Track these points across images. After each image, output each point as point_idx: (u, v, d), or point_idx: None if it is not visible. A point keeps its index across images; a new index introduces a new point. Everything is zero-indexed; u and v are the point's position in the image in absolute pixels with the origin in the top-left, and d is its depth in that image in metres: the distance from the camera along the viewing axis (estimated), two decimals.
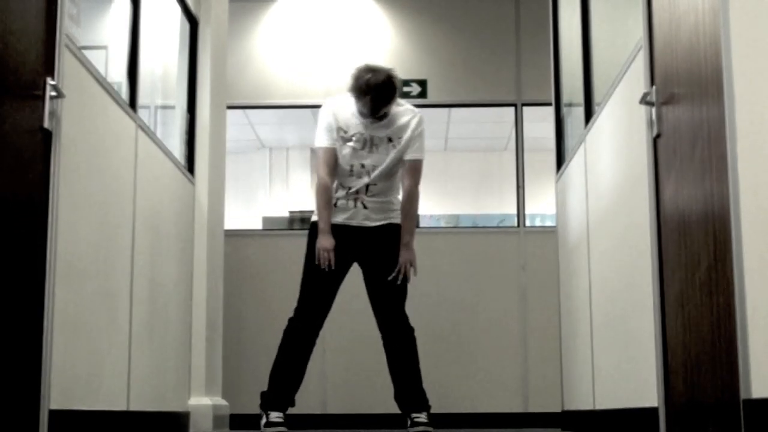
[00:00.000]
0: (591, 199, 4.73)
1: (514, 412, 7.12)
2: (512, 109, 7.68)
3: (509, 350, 7.25)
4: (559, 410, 5.94)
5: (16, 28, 3.09)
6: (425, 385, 4.58)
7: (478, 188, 12.14)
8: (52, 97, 3.31)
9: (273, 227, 7.96)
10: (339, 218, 4.57)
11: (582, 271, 4.94)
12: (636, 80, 3.70)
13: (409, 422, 4.50)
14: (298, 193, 11.90)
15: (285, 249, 7.29)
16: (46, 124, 3.29)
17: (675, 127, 3.20)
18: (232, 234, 6.92)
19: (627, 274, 3.95)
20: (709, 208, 2.82)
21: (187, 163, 5.86)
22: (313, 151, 10.86)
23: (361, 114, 4.53)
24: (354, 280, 4.67)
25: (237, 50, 7.52)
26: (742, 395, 2.50)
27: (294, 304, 4.60)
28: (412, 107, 4.69)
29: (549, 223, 8.36)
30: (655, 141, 3.45)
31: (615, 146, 4.20)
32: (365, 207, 4.58)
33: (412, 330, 4.57)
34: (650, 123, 3.47)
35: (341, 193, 4.58)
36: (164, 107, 5.86)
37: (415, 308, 4.64)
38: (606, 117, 4.36)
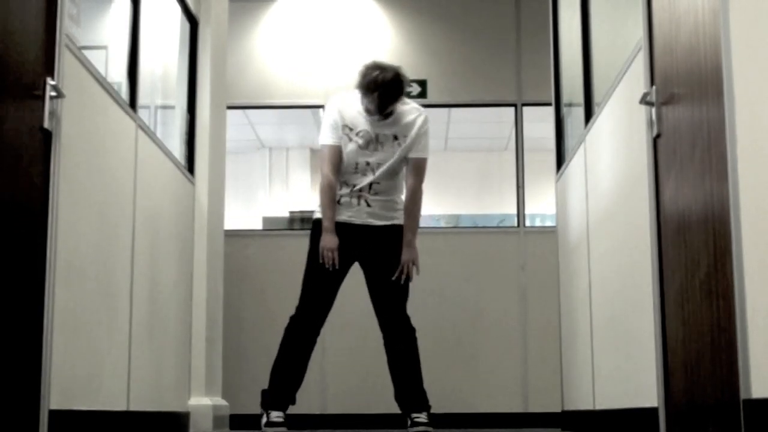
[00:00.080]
0: (591, 199, 4.73)
1: (514, 412, 7.12)
2: (512, 109, 7.68)
3: (509, 350, 7.25)
4: (559, 410, 5.94)
5: (16, 28, 3.09)
6: (425, 384, 4.58)
7: (478, 188, 12.14)
8: (52, 97, 3.31)
9: (273, 227, 7.96)
10: (342, 216, 4.56)
11: (582, 271, 4.94)
12: (636, 80, 3.70)
13: (409, 422, 4.50)
14: (298, 193, 11.89)
15: (285, 249, 7.29)
16: (46, 124, 3.29)
17: (675, 127, 3.20)
18: (232, 234, 6.92)
19: (627, 274, 3.95)
20: (709, 208, 2.82)
21: (187, 163, 5.86)
22: (312, 151, 10.70)
23: (368, 111, 4.52)
24: (354, 279, 4.67)
25: (237, 50, 7.51)
26: (742, 395, 2.50)
27: (294, 303, 4.60)
28: (417, 106, 4.68)
29: (549, 223, 8.36)
30: (655, 141, 3.45)
31: (615, 146, 4.20)
32: (369, 205, 4.57)
33: (413, 330, 4.56)
34: (650, 123, 3.47)
35: (345, 190, 4.57)
36: (164, 107, 5.85)
37: (415, 308, 4.64)
38: (606, 117, 4.36)
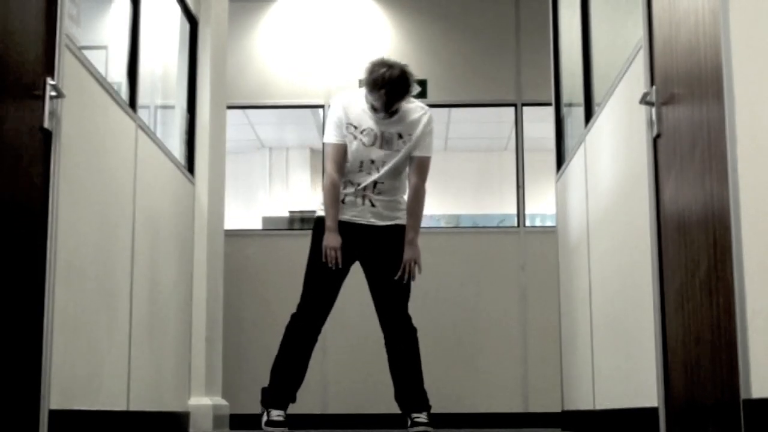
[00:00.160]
0: (591, 199, 4.73)
1: (514, 412, 7.12)
2: (512, 109, 7.68)
3: (509, 350, 7.25)
4: (559, 410, 5.94)
5: (16, 28, 3.09)
6: (425, 384, 4.58)
7: (478, 188, 12.14)
8: (52, 97, 3.31)
9: (273, 227, 7.96)
10: (346, 215, 4.56)
11: (582, 271, 4.94)
12: (636, 80, 3.70)
13: (409, 422, 4.50)
14: (298, 193, 11.89)
15: (285, 249, 7.29)
16: (46, 124, 3.29)
17: (675, 127, 3.20)
18: (232, 234, 6.92)
19: (627, 274, 3.95)
20: (709, 208, 2.82)
21: (187, 163, 5.86)
22: (312, 151, 10.69)
23: (373, 109, 4.51)
24: (355, 279, 4.67)
25: (237, 50, 7.51)
26: (742, 395, 2.50)
27: (294, 303, 4.60)
28: (422, 104, 4.67)
29: (549, 223, 8.36)
30: (655, 141, 3.45)
31: (615, 146, 4.20)
32: (373, 205, 4.56)
33: (414, 330, 4.56)
34: (650, 123, 3.47)
35: (350, 189, 4.56)
36: (164, 107, 5.85)
37: (415, 308, 4.64)
38: (606, 117, 4.36)
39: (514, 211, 7.62)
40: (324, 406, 7.18)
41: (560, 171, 5.72)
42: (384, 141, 4.53)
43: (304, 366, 4.57)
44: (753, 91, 2.58)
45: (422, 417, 4.48)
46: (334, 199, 4.51)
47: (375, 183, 4.54)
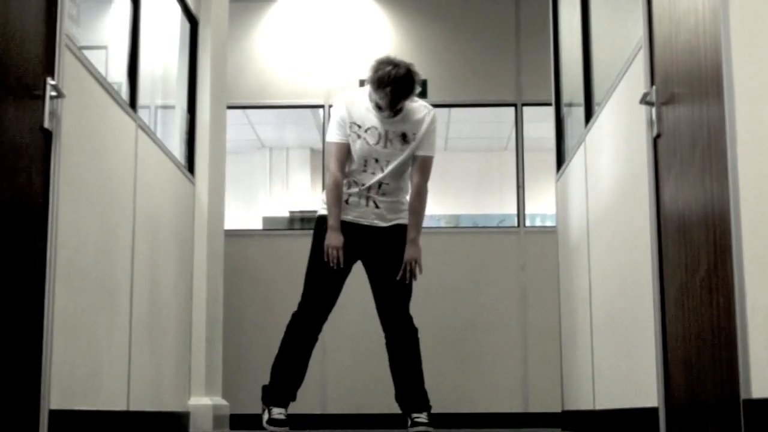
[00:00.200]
0: (591, 199, 4.73)
1: (514, 412, 7.12)
2: (512, 109, 7.68)
3: (509, 350, 7.25)
4: (559, 410, 5.94)
5: (16, 28, 3.09)
6: (425, 384, 4.58)
7: (478, 188, 12.14)
8: (52, 97, 3.31)
9: (273, 227, 7.97)
10: (349, 215, 4.55)
11: (582, 271, 4.94)
12: (636, 80, 3.70)
13: (409, 422, 4.50)
14: (298, 193, 11.89)
15: (285, 249, 7.30)
16: (46, 124, 3.29)
17: (675, 127, 3.20)
18: (232, 234, 6.92)
19: (627, 274, 3.95)
20: (709, 208, 2.82)
21: (187, 163, 5.86)
22: (312, 151, 10.70)
23: (378, 107, 4.50)
24: (355, 279, 4.66)
25: (237, 50, 7.51)
26: (742, 395, 2.50)
27: (294, 303, 4.60)
28: (426, 104, 4.66)
29: (549, 223, 8.36)
30: (655, 141, 3.45)
31: (615, 146, 4.20)
32: (377, 206, 4.55)
33: (415, 330, 4.56)
34: (650, 123, 3.47)
35: (354, 190, 4.55)
36: (164, 107, 5.85)
37: (415, 308, 4.64)
38: (606, 117, 4.36)
39: (514, 211, 7.62)
40: (324, 406, 7.18)
41: (560, 171, 5.72)
42: (388, 140, 4.52)
43: (304, 364, 4.57)
44: (753, 91, 2.59)
45: (422, 417, 4.47)
46: (336, 198, 4.50)
47: (380, 184, 4.53)
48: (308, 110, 8.76)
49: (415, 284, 4.63)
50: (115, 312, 4.26)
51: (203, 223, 5.92)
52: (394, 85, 4.37)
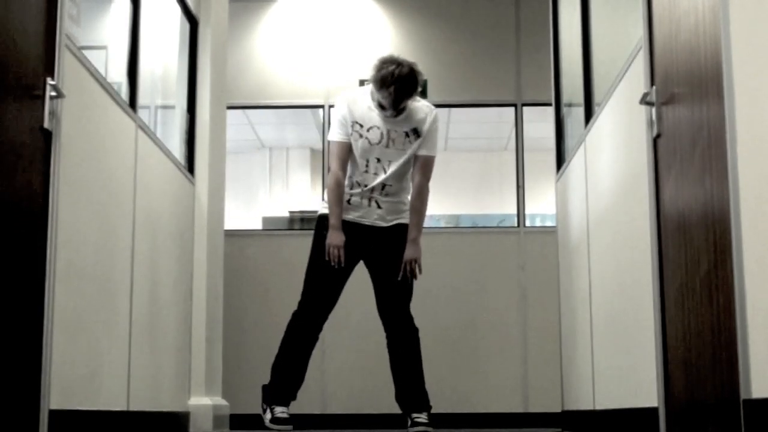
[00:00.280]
0: (591, 199, 4.73)
1: (514, 412, 7.12)
2: (512, 109, 7.68)
3: (509, 350, 7.25)
4: (559, 410, 5.94)
5: (16, 28, 3.09)
6: (426, 384, 4.58)
7: (478, 188, 12.14)
8: (52, 97, 3.31)
9: (273, 227, 7.96)
10: (351, 215, 4.54)
11: (582, 271, 4.94)
12: (636, 80, 3.70)
13: (409, 422, 4.50)
14: (298, 193, 11.90)
15: (285, 249, 7.29)
16: (46, 124, 3.29)
17: (675, 127, 3.20)
18: (232, 234, 6.92)
19: (627, 274, 3.95)
20: (709, 208, 2.82)
21: (187, 163, 5.86)
22: (312, 151, 10.69)
23: (380, 107, 4.49)
24: (354, 279, 4.67)
25: (237, 50, 7.51)
26: (742, 395, 2.50)
27: (294, 303, 4.60)
28: (428, 103, 4.66)
29: (549, 223, 8.36)
30: (655, 141, 3.44)
31: (615, 146, 4.20)
32: (379, 207, 4.55)
33: (416, 330, 4.56)
34: (650, 123, 3.47)
35: (356, 190, 4.54)
36: (164, 107, 5.85)
37: (415, 308, 4.64)
38: (606, 117, 4.36)
39: (514, 211, 7.62)
40: (324, 406, 7.18)
41: (560, 171, 5.72)
42: (390, 139, 4.52)
43: (305, 364, 4.57)
44: (753, 91, 2.58)
45: (422, 417, 4.48)
46: (338, 197, 4.50)
47: (383, 186, 4.52)
48: (308, 110, 8.76)
49: (415, 284, 4.63)
50: (115, 312, 4.26)
51: (203, 223, 5.91)
52: (397, 84, 4.37)
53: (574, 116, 5.48)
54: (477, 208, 11.96)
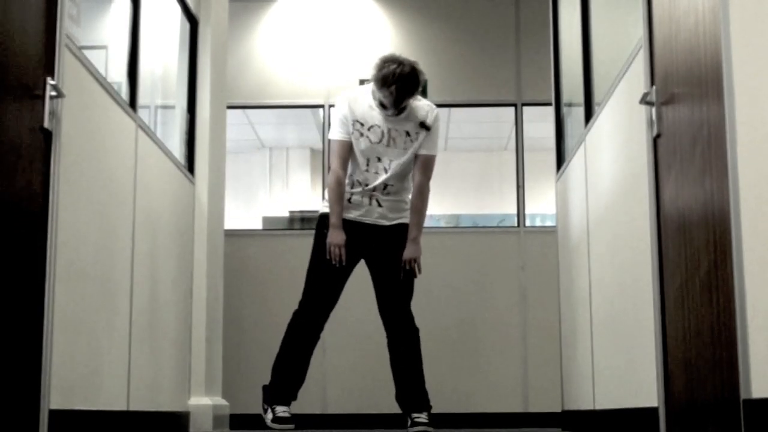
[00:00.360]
0: (591, 199, 4.73)
1: (514, 412, 7.12)
2: (512, 109, 7.68)
3: (509, 350, 7.25)
4: (559, 410, 5.94)
5: (16, 28, 3.09)
6: (426, 384, 4.58)
7: (478, 188, 12.14)
8: (52, 97, 3.31)
9: (273, 227, 7.96)
10: (352, 214, 4.54)
11: (582, 271, 4.94)
12: (636, 80, 3.70)
13: (409, 422, 4.50)
14: (298, 193, 11.89)
15: (285, 249, 7.29)
16: (46, 124, 3.29)
17: (675, 127, 3.20)
18: (232, 234, 6.92)
19: (627, 274, 3.95)
20: (709, 208, 2.82)
21: (187, 163, 5.86)
22: (312, 150, 10.69)
23: (382, 106, 4.48)
24: (354, 279, 4.66)
25: (237, 50, 7.51)
26: (742, 395, 2.50)
27: (295, 303, 4.60)
28: (429, 102, 4.66)
29: (549, 223, 8.36)
30: (655, 141, 3.45)
31: (615, 146, 4.20)
32: (380, 205, 4.55)
33: (417, 330, 4.56)
34: (650, 123, 3.47)
35: (357, 189, 4.54)
36: (164, 107, 5.85)
37: (415, 308, 4.64)
38: (606, 117, 4.36)
39: (514, 211, 7.62)
40: (324, 406, 7.18)
41: (560, 171, 5.72)
42: (391, 138, 4.52)
43: (306, 363, 4.57)
44: (753, 91, 2.58)
45: (422, 417, 4.47)
46: (339, 196, 4.49)
47: (385, 185, 4.52)
48: (308, 110, 8.76)
49: (415, 284, 4.63)
50: (115, 312, 4.26)
51: (203, 223, 5.91)
52: (399, 83, 4.36)
53: (574, 116, 5.48)
54: (477, 207, 11.96)
